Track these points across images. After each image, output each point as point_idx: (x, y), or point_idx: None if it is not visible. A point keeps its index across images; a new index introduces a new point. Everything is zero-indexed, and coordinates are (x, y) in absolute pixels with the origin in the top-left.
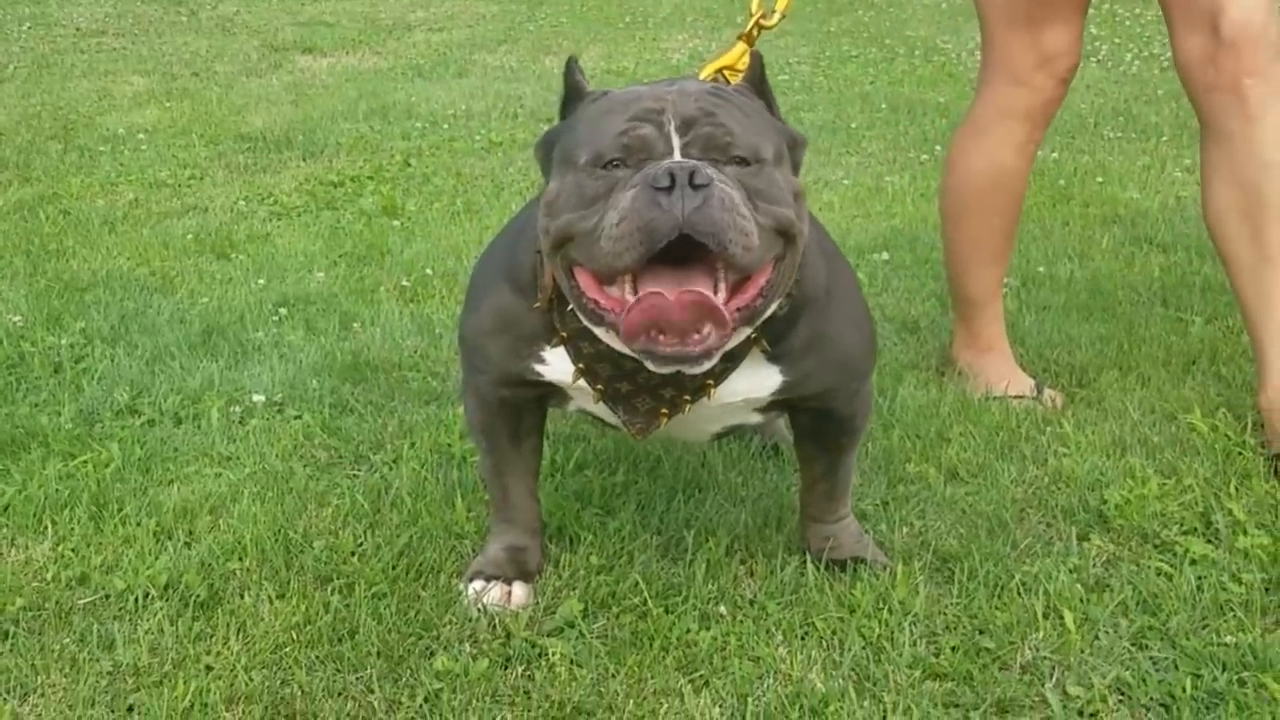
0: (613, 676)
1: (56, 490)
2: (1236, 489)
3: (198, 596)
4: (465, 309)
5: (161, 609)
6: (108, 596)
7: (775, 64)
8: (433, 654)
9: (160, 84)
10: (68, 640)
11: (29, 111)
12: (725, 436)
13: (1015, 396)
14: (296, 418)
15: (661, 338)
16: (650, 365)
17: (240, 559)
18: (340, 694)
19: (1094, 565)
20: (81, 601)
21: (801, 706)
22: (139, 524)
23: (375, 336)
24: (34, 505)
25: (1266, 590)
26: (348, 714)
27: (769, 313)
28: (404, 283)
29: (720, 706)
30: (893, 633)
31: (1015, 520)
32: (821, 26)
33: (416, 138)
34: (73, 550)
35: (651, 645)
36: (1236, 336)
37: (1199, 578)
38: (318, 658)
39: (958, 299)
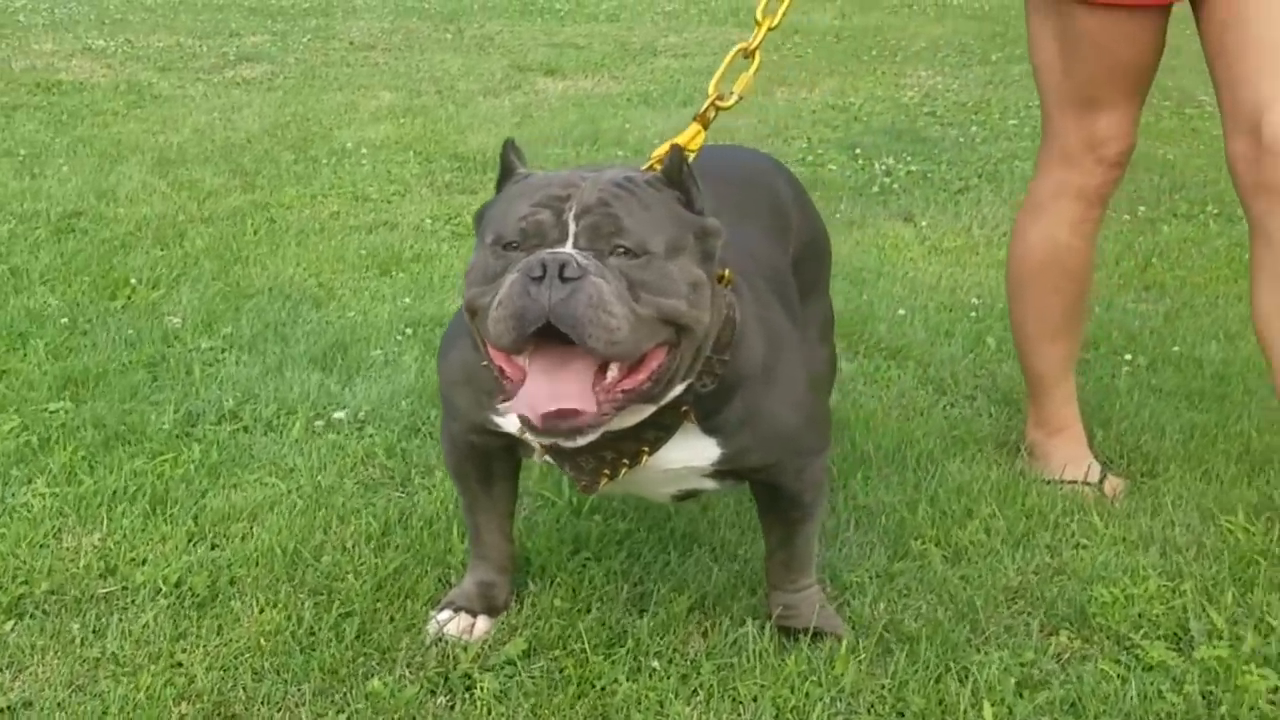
0: (524, 715)
1: (126, 486)
2: (1234, 597)
3: (198, 597)
4: (439, 358)
5: (164, 605)
6: (126, 588)
7: (1012, 107)
8: (373, 676)
9: (403, 100)
10: (75, 626)
11: (280, 121)
12: (687, 499)
13: (1069, 482)
14: (370, 436)
15: None
16: (531, 437)
17: (252, 566)
18: (277, 704)
19: (1048, 661)
20: (101, 591)
21: None
22: (181, 524)
23: None
24: (101, 497)
25: (1208, 705)
26: None
27: (675, 393)
28: None
29: None
30: (809, 704)
31: (990, 607)
32: None
33: None
34: (115, 543)
35: (570, 689)
36: None
37: (1146, 684)
38: (270, 666)
39: (1027, 377)
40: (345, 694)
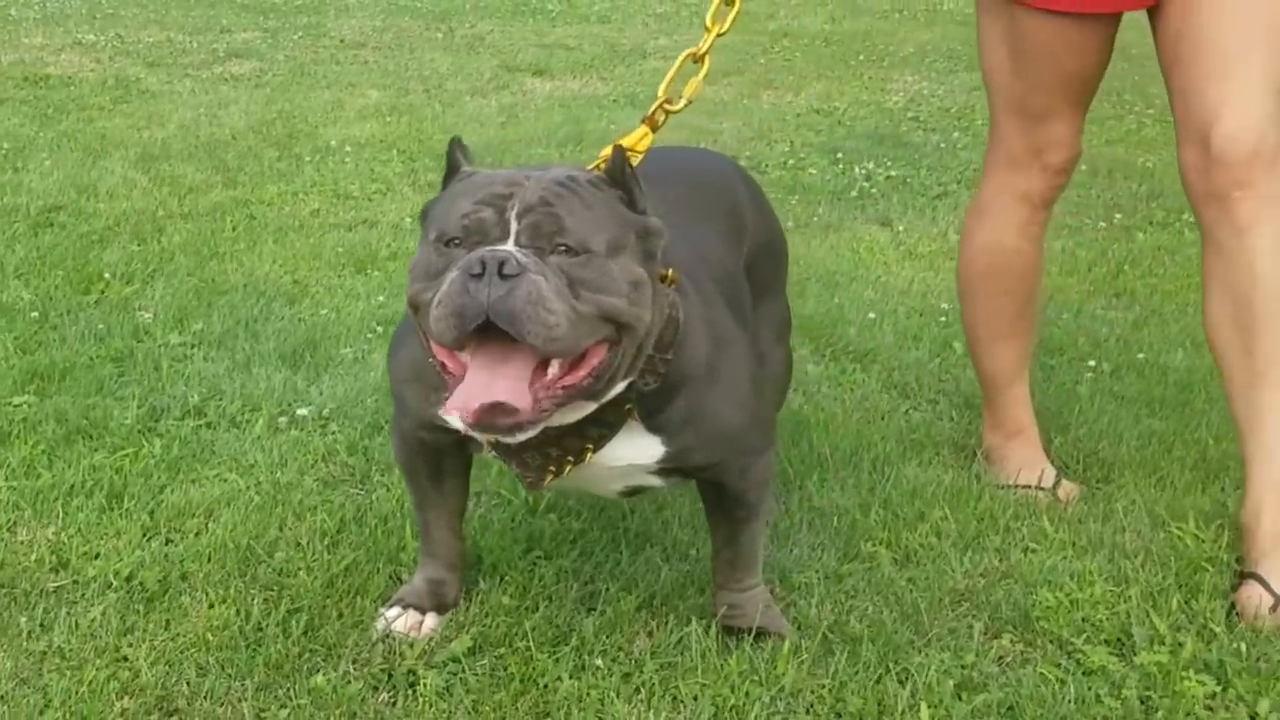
0: (464, 711)
1: (84, 480)
2: (1178, 603)
3: (148, 592)
4: (389, 355)
5: (113, 599)
6: (76, 582)
7: None
8: (317, 672)
9: (390, 99)
10: (23, 619)
11: (266, 118)
12: (635, 495)
13: (1023, 486)
14: (333, 434)
15: None
16: (470, 433)
17: (204, 562)
18: (219, 699)
19: (989, 664)
20: (52, 585)
21: None
22: (137, 519)
23: None
24: (58, 492)
25: (1146, 710)
26: (217, 717)
27: (617, 390)
28: None
29: None
30: (748, 704)
31: (934, 610)
32: None
33: None
34: (69, 538)
35: (512, 686)
36: None
37: (1085, 688)
38: (215, 661)
39: (981, 379)
40: (289, 689)
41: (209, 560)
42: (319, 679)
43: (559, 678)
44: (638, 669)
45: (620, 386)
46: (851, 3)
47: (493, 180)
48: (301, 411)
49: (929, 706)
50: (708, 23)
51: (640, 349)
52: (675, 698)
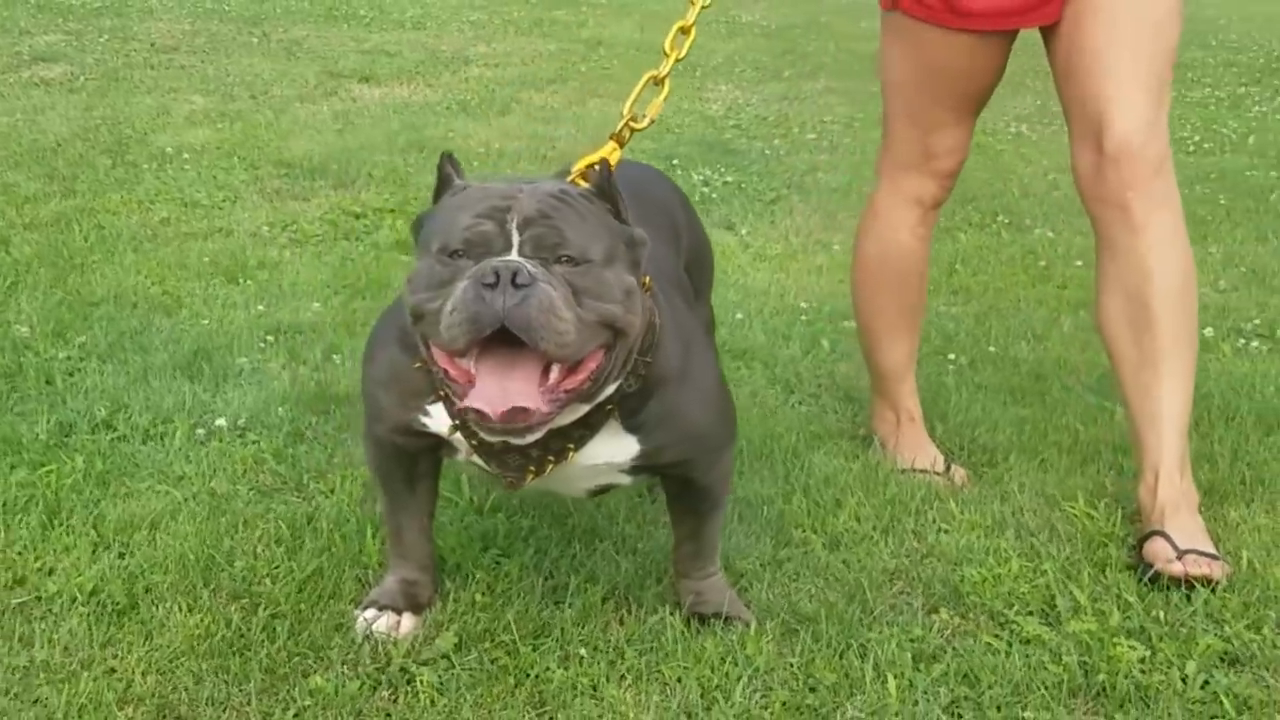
0: (468, 705)
1: (16, 497)
2: (1090, 576)
3: (117, 604)
4: (364, 360)
5: (83, 613)
6: (39, 598)
7: (809, 122)
8: (312, 673)
9: (217, 104)
10: None
11: (89, 125)
12: (602, 493)
13: (920, 471)
14: (254, 443)
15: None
16: (482, 435)
17: (164, 573)
18: (222, 703)
19: (935, 636)
20: (15, 601)
21: None
22: (82, 534)
23: (348, 369)
24: None
25: (1085, 673)
26: None
27: (608, 392)
28: None
29: None
30: (730, 684)
31: (875, 589)
32: (867, 87)
33: None
34: (18, 554)
35: (507, 679)
36: None
37: (1027, 656)
38: (208, 668)
39: (872, 372)
40: (289, 691)
41: (168, 571)
42: (318, 679)
43: (548, 668)
44: (619, 656)
45: (610, 389)
46: (654, 13)
47: (488, 194)
48: (219, 422)
49: (894, 678)
50: (666, 48)
51: (630, 353)
52: (661, 681)
